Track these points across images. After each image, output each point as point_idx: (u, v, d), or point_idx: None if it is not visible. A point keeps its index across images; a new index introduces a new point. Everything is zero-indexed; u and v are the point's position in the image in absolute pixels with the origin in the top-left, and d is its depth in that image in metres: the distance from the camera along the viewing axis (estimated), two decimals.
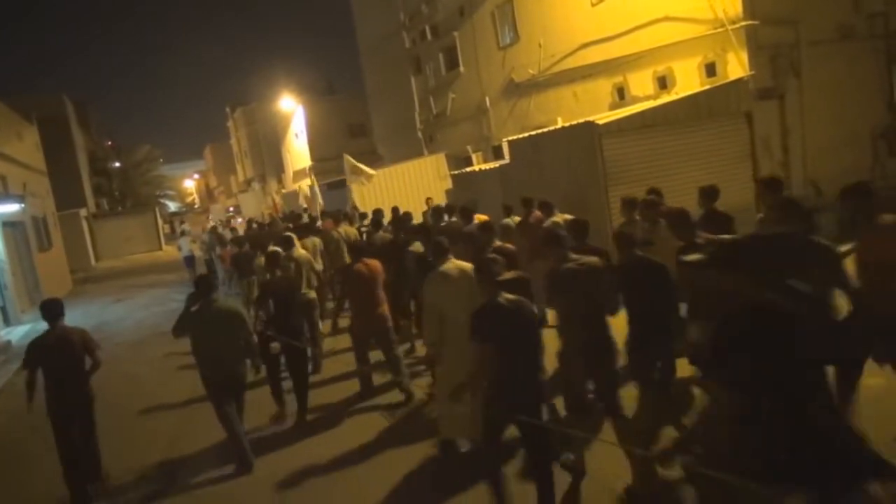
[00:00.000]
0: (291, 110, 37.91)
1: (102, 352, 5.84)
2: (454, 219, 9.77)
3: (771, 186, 5.22)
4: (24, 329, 15.75)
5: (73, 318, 16.70)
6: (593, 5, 15.31)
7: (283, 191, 43.04)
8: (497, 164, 15.30)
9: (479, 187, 15.09)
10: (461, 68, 21.67)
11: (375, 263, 7.12)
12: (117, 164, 51.25)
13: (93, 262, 34.17)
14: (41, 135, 26.65)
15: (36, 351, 5.54)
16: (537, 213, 8.72)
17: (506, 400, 4.01)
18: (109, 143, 54.20)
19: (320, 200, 19.54)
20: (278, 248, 8.18)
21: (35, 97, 32.18)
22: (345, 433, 6.39)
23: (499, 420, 4.11)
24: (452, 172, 18.45)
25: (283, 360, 6.99)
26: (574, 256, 4.83)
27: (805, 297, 2.91)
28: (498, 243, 6.57)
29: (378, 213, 11.25)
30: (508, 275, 4.95)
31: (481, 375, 4.12)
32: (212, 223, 29.36)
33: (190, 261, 19.55)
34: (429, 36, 22.96)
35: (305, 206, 22.07)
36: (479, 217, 9.48)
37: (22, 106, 24.25)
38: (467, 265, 5.35)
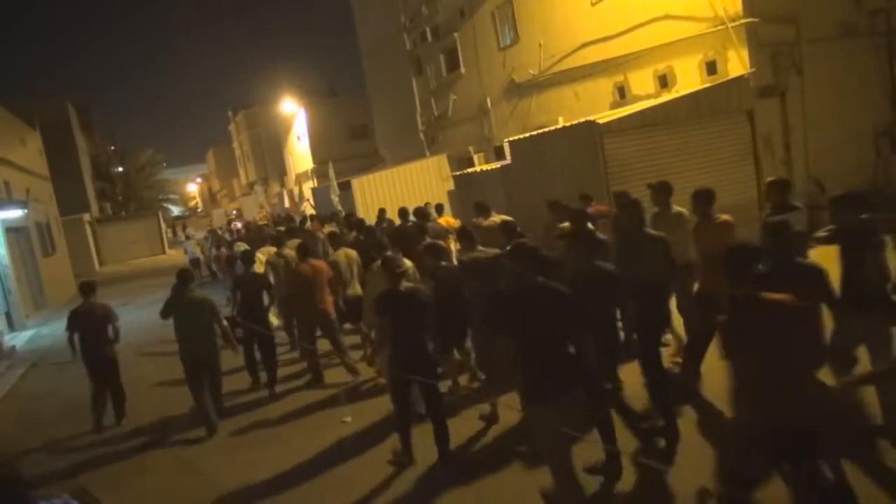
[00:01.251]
0: (293, 113, 37.92)
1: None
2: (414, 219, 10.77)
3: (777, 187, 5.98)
4: (29, 334, 15.80)
5: None
6: (593, 4, 15.30)
7: (283, 190, 43.34)
8: (499, 165, 15.30)
9: (481, 188, 15.09)
10: (462, 69, 21.68)
11: (321, 264, 8.22)
12: (120, 169, 51.44)
13: (96, 266, 34.25)
14: (44, 140, 26.78)
15: (72, 317, 7.59)
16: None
17: (402, 362, 5.20)
18: (112, 147, 54.37)
19: (311, 203, 19.85)
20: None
21: (38, 102, 32.27)
22: (305, 399, 7.68)
23: (401, 379, 5.23)
24: (454, 173, 18.46)
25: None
26: (481, 248, 6.25)
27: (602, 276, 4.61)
28: (428, 240, 7.50)
29: (350, 216, 12.86)
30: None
31: (384, 343, 5.57)
32: (211, 226, 29.87)
33: (196, 262, 19.93)
34: (429, 37, 22.95)
35: (288, 206, 22.59)
36: (446, 219, 11.22)
37: (25, 111, 24.35)
38: (407, 262, 6.72)
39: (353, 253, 8.65)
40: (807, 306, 3.28)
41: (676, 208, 6.56)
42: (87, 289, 7.79)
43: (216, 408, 7.25)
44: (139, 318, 15.97)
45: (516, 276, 4.24)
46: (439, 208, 12.03)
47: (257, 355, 8.31)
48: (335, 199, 18.88)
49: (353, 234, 10.71)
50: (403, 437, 5.39)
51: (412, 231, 9.26)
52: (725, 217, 5.78)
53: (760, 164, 11.54)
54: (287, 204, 25.62)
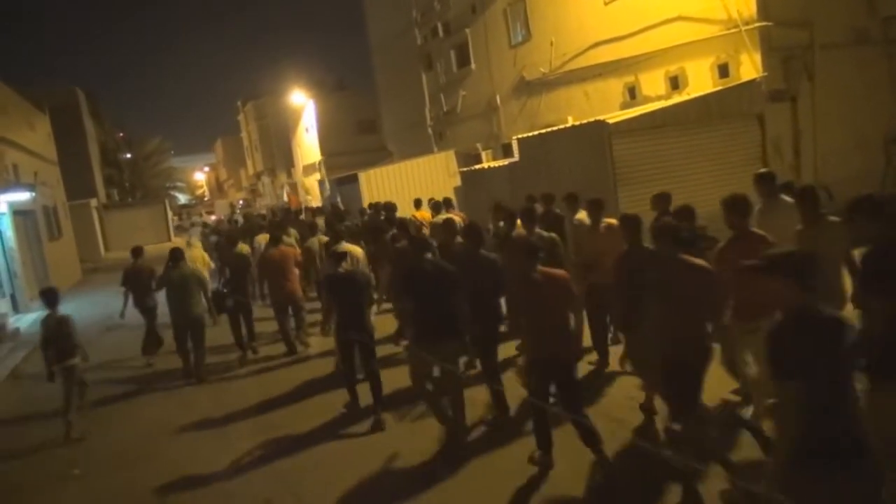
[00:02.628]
0: (302, 105, 37.94)
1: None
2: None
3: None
4: (33, 317, 15.84)
5: (83, 307, 16.79)
6: (606, 4, 15.25)
7: (286, 182, 44.01)
8: (506, 162, 15.27)
9: (488, 185, 15.07)
10: (472, 66, 21.65)
11: (288, 249, 9.46)
12: (128, 156, 51.50)
13: (102, 252, 34.36)
14: (53, 125, 26.78)
15: (125, 274, 9.70)
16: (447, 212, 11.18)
17: (346, 329, 6.48)
18: (121, 134, 54.43)
19: (305, 194, 20.35)
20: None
21: (48, 88, 32.32)
22: (279, 363, 9.11)
23: (346, 343, 6.56)
24: (461, 170, 18.44)
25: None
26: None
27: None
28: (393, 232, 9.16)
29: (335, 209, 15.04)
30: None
31: (330, 315, 7.19)
32: (218, 216, 30.13)
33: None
34: (440, 33, 22.94)
35: (286, 199, 23.21)
36: (422, 213, 12.41)
37: (34, 96, 24.38)
38: (356, 248, 8.11)
39: (326, 239, 9.70)
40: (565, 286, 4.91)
41: (581, 216, 7.74)
42: (137, 252, 9.93)
43: (198, 367, 8.54)
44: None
45: (412, 258, 5.95)
46: (418, 203, 13.23)
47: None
48: (325, 193, 19.41)
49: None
50: (350, 388, 6.74)
51: (381, 223, 10.54)
52: (611, 221, 6.73)
53: (769, 168, 11.48)
54: (285, 196, 25.91)
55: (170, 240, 38.92)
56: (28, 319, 15.46)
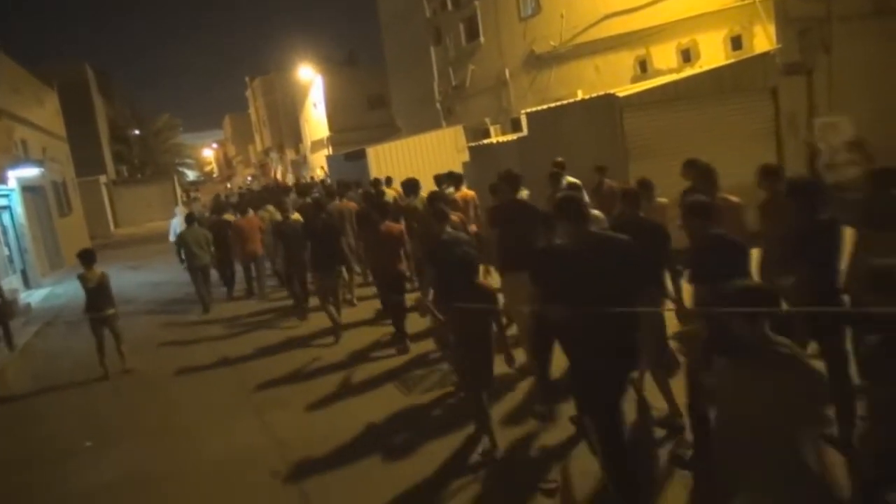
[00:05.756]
0: (310, 80, 37.70)
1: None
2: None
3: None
4: (44, 292, 15.97)
5: None
6: None
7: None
8: (515, 137, 15.13)
9: (497, 160, 14.92)
10: (481, 39, 21.37)
11: (252, 219, 11.67)
12: (137, 132, 51.41)
13: (112, 228, 34.50)
14: (62, 101, 26.76)
15: (179, 238, 11.36)
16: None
17: (290, 263, 9.42)
18: (130, 111, 54.29)
19: (325, 170, 20.84)
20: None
21: (56, 64, 32.25)
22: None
23: (290, 274, 9.78)
24: (470, 145, 18.28)
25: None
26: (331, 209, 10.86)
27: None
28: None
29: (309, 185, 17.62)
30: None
31: (277, 255, 10.10)
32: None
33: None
34: (449, 6, 22.63)
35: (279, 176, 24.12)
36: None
37: (43, 73, 24.32)
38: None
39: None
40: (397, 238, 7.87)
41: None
42: (189, 218, 11.66)
43: (209, 297, 11.45)
44: (150, 280, 16.13)
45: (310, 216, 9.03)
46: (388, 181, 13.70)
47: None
48: (320, 172, 19.93)
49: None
50: (297, 301, 10.00)
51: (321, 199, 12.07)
52: (468, 192, 9.64)
53: (783, 143, 11.30)
54: (276, 174, 26.18)
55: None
56: (39, 295, 15.59)
